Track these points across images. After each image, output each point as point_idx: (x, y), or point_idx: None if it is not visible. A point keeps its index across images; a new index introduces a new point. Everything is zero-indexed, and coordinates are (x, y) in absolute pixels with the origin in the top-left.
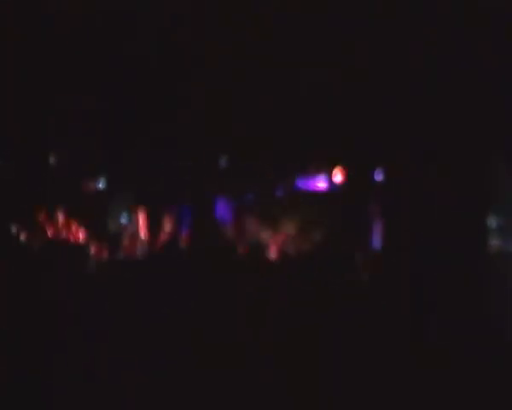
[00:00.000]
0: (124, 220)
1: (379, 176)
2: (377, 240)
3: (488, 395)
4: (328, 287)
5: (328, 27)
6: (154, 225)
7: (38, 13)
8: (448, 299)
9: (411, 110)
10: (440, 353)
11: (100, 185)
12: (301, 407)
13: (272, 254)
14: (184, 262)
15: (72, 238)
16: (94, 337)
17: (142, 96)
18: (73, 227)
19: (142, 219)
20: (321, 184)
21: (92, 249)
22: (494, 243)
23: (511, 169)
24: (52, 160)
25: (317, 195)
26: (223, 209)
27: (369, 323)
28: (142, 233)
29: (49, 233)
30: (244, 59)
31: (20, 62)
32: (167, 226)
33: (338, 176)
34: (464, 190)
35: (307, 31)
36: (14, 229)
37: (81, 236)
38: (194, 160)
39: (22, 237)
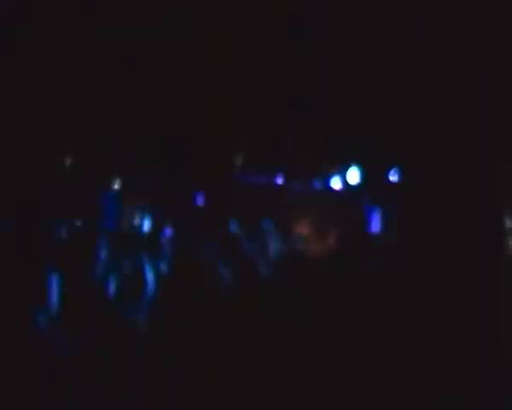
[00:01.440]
0: (137, 221)
1: (394, 176)
2: (392, 239)
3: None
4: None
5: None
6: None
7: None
8: (464, 303)
9: (426, 111)
10: (452, 359)
11: (115, 186)
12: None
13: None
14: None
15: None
16: None
17: (157, 96)
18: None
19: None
20: (336, 183)
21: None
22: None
23: None
24: (67, 161)
25: (333, 194)
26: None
27: (378, 324)
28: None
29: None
30: (256, 61)
31: (41, 61)
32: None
33: (353, 175)
34: (481, 190)
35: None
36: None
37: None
38: (208, 161)
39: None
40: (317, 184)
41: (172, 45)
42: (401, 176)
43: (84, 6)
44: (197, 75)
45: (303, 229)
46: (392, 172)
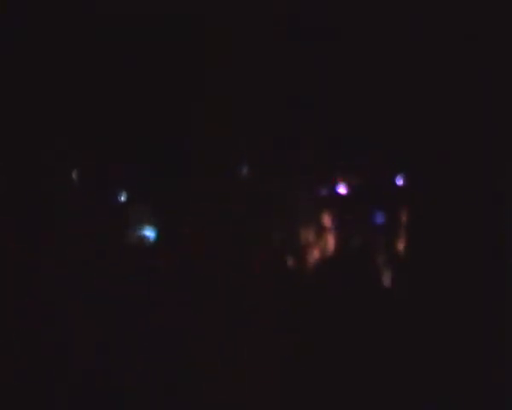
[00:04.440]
0: (147, 233)
1: (400, 180)
2: (398, 244)
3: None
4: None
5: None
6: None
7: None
8: (470, 309)
9: (430, 112)
10: (457, 367)
11: (122, 198)
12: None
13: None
14: None
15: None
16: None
17: (157, 96)
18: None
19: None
20: (341, 189)
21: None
22: None
23: None
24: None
25: (337, 199)
26: None
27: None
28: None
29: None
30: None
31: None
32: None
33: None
34: (487, 191)
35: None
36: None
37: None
38: (208, 161)
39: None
40: (323, 190)
41: (172, 45)
42: (406, 180)
43: (84, 6)
44: (197, 75)
45: (307, 234)
46: (397, 176)
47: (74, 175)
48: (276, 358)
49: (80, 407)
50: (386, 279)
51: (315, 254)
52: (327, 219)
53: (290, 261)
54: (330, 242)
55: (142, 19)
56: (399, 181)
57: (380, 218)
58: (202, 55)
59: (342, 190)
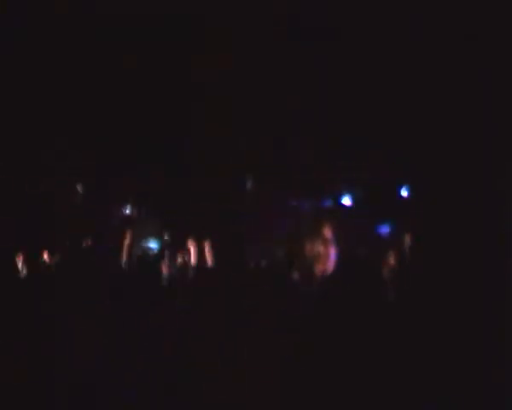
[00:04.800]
0: (152, 246)
1: (405, 191)
2: (403, 254)
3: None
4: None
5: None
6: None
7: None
8: (472, 307)
9: (430, 113)
10: (458, 367)
11: (127, 211)
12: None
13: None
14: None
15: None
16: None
17: (157, 96)
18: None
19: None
20: (345, 200)
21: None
22: None
23: None
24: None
25: (343, 210)
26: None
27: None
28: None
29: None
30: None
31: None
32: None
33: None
34: (490, 193)
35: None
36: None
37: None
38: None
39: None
40: (327, 202)
41: (173, 45)
42: (407, 180)
43: (84, 6)
44: (197, 75)
45: (308, 235)
46: (401, 187)
47: (75, 175)
48: (275, 358)
49: (80, 406)
50: (386, 275)
51: (316, 254)
52: (329, 225)
53: (290, 262)
54: (331, 243)
55: (142, 19)
56: (401, 187)
57: (384, 228)
58: (202, 55)
59: (347, 201)
